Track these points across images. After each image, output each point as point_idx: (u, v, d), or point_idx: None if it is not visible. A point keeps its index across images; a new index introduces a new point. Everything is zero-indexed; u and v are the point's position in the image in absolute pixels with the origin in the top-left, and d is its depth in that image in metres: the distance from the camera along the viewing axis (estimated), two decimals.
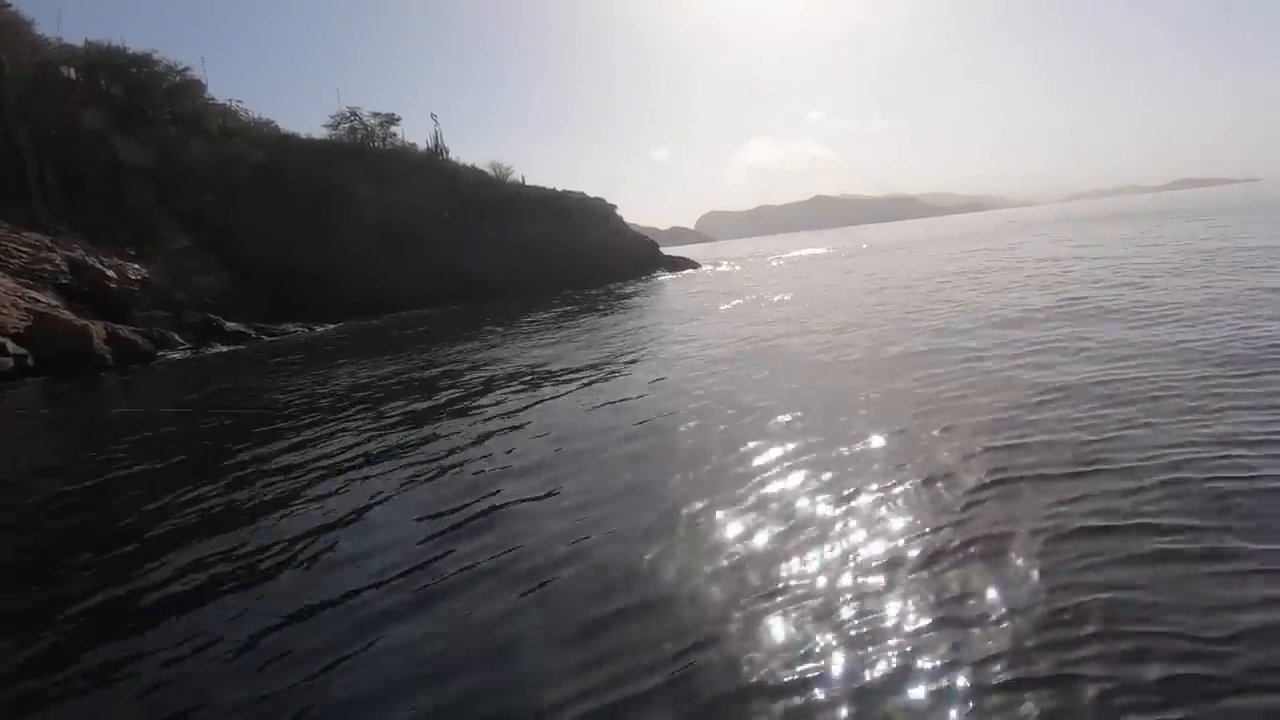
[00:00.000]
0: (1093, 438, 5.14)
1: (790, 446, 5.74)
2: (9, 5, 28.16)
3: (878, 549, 3.85)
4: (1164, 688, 2.59)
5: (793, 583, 3.58)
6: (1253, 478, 4.18)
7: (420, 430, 7.89)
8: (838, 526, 4.19)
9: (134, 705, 3.16)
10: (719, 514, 4.56)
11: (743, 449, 5.82)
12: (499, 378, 10.76)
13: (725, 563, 3.88)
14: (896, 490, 4.62)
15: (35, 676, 3.49)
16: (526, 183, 40.37)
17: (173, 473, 7.19)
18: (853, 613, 3.27)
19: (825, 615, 3.26)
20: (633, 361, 11.00)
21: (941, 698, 2.65)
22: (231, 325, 22.56)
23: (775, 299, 19.05)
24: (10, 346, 15.83)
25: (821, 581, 3.57)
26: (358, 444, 7.46)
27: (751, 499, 4.75)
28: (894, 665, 2.86)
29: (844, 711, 2.64)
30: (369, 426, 8.28)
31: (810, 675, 2.85)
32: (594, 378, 9.90)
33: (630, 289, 29.90)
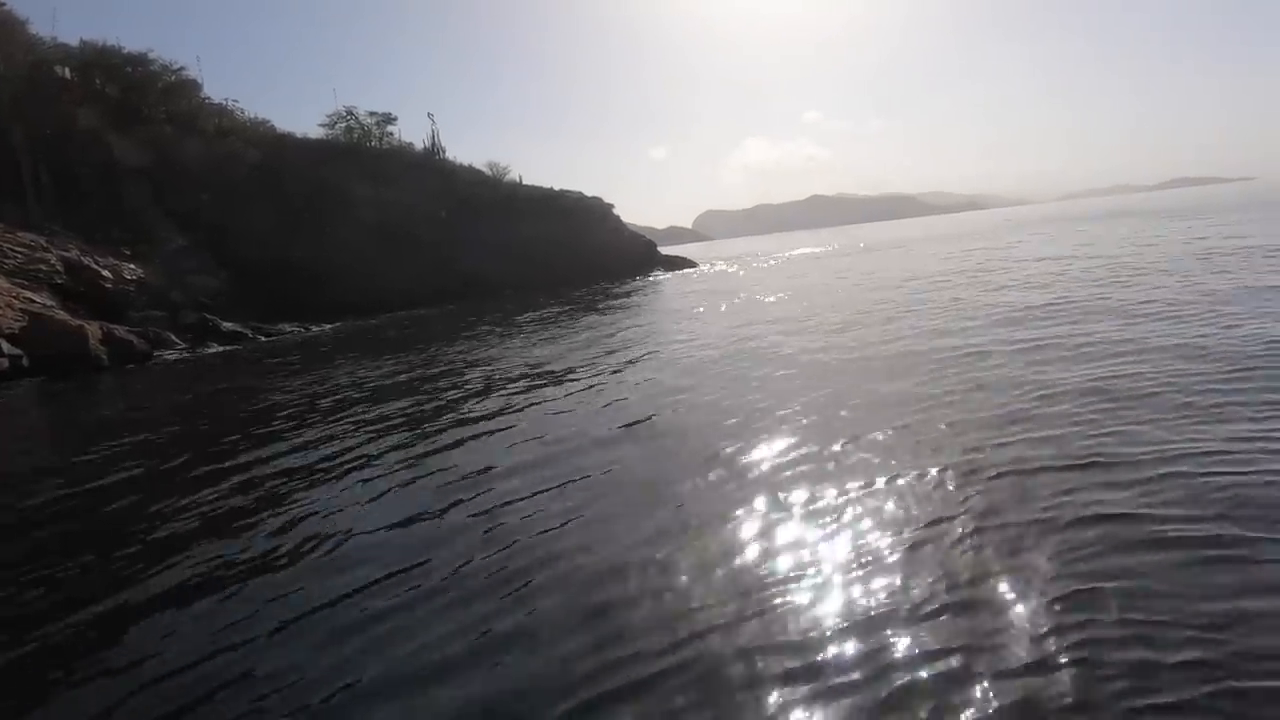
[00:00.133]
0: (1094, 432, 5.15)
1: (790, 444, 5.73)
2: (3, 5, 28.08)
3: (881, 539, 3.85)
4: (1170, 670, 2.63)
5: (797, 572, 3.58)
6: (1252, 471, 4.20)
7: (417, 430, 7.86)
8: (840, 519, 4.17)
9: (133, 705, 3.14)
10: (718, 511, 4.54)
11: (741, 448, 5.81)
12: (496, 378, 10.74)
13: (727, 556, 3.86)
14: (897, 484, 4.61)
15: (32, 676, 3.46)
16: (524, 182, 40.38)
17: (169, 473, 7.16)
18: (862, 601, 3.28)
19: (831, 606, 3.26)
20: (632, 361, 10.98)
21: (952, 681, 2.67)
22: (228, 325, 22.51)
23: (773, 298, 19.05)
24: (5, 347, 15.77)
25: (826, 570, 3.57)
26: (354, 444, 7.43)
27: (750, 497, 4.74)
28: (906, 650, 2.88)
29: (857, 696, 2.64)
30: (365, 427, 8.26)
31: (816, 664, 2.85)
32: (592, 377, 9.88)
33: (628, 288, 29.88)
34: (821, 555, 3.82)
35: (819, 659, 2.92)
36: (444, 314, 25.97)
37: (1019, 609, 3.11)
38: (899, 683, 2.72)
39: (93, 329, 17.51)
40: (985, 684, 2.67)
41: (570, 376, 10.08)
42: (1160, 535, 3.60)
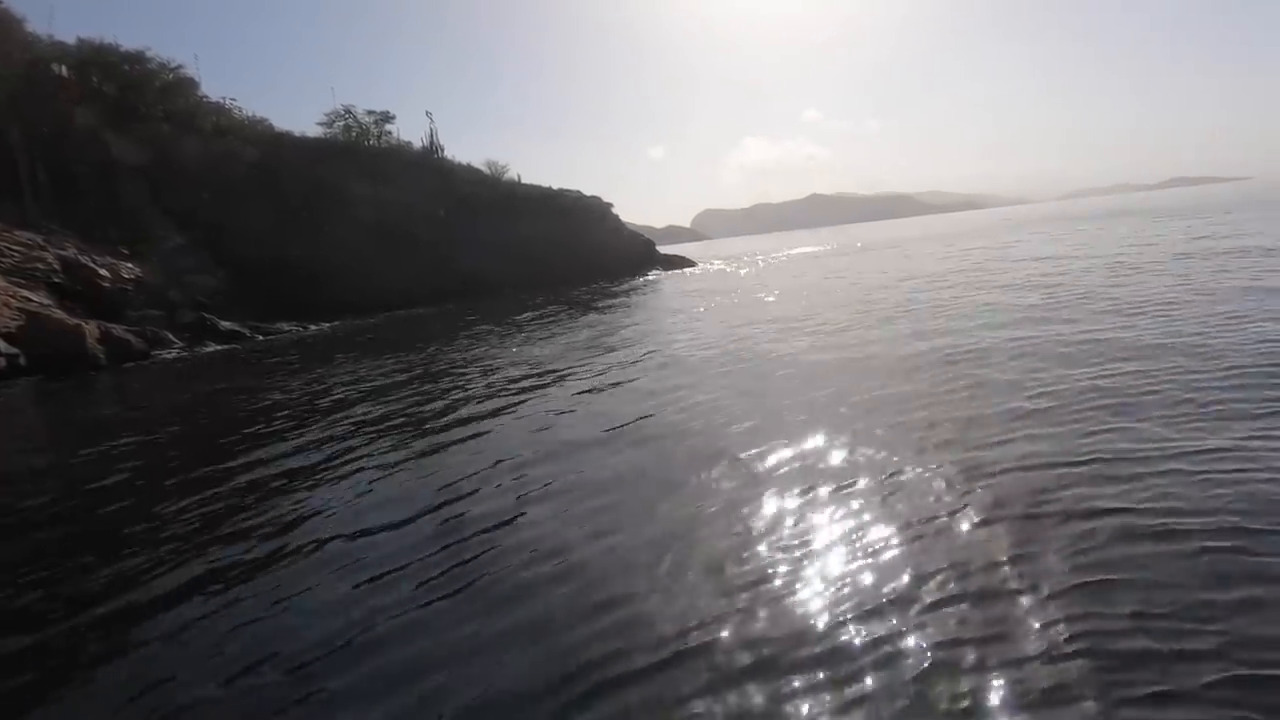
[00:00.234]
0: (1095, 429, 5.16)
1: (790, 443, 5.72)
2: (0, 3, 27.96)
3: (884, 536, 3.85)
4: (1175, 659, 2.68)
5: (801, 566, 3.57)
6: (1254, 467, 4.20)
7: (417, 430, 7.85)
8: (844, 516, 4.17)
9: (133, 705, 3.12)
10: (719, 510, 4.53)
11: (742, 447, 5.79)
12: (496, 377, 10.72)
13: (729, 554, 3.86)
14: (899, 482, 4.61)
15: (30, 676, 3.44)
16: (522, 181, 40.31)
17: (166, 473, 7.13)
18: (868, 594, 3.29)
19: (836, 599, 3.25)
20: (632, 361, 10.96)
21: (958, 672, 2.68)
22: (226, 324, 22.45)
23: (772, 298, 19.05)
24: (2, 346, 15.72)
25: (831, 563, 3.57)
26: (354, 444, 7.42)
27: (751, 496, 4.73)
28: (912, 641, 2.89)
29: (862, 688, 2.64)
30: (365, 426, 8.24)
31: (823, 655, 2.85)
32: (592, 377, 9.87)
33: (627, 287, 29.85)
34: (826, 548, 3.82)
35: (826, 649, 2.94)
36: (442, 313, 25.93)
37: (1024, 602, 3.14)
38: (906, 672, 2.75)
39: (90, 328, 17.45)
40: (991, 674, 2.69)
41: (570, 376, 10.06)
42: (1163, 528, 3.63)
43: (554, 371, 10.54)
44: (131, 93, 30.84)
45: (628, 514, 4.65)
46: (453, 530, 4.72)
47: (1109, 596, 3.10)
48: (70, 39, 30.65)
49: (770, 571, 3.66)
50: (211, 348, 20.43)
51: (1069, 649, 2.78)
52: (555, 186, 40.42)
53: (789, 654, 2.95)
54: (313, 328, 24.53)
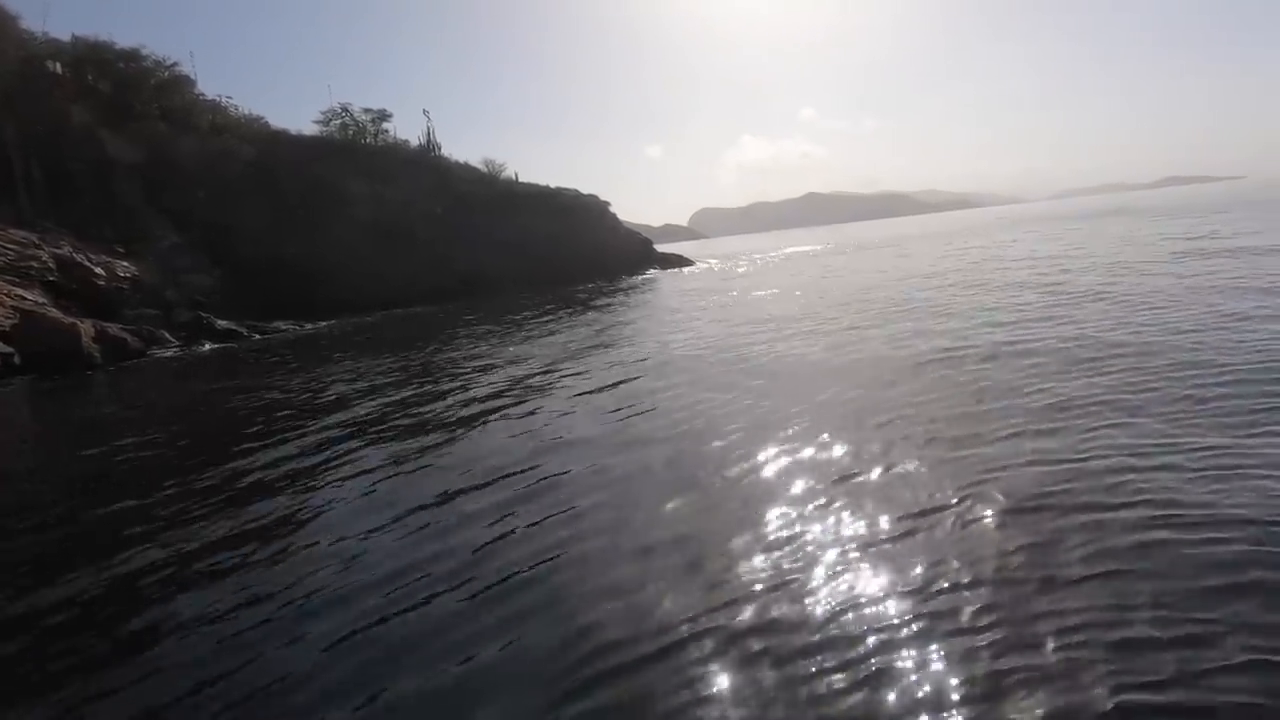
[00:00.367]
0: (1096, 425, 5.17)
1: (790, 442, 5.72)
2: None
3: (886, 532, 3.85)
4: (1180, 645, 2.73)
5: (804, 562, 3.57)
6: (1248, 463, 4.21)
7: (416, 429, 7.82)
8: (845, 513, 4.17)
9: (132, 705, 3.10)
10: (720, 509, 4.53)
11: (742, 447, 5.80)
12: (495, 377, 10.70)
13: (731, 552, 3.85)
14: (900, 480, 4.61)
15: (27, 675, 3.43)
16: (520, 180, 40.24)
17: (163, 473, 7.09)
18: (875, 583, 3.30)
19: (839, 594, 3.25)
20: (630, 360, 10.96)
21: (961, 667, 2.67)
22: (222, 323, 22.37)
23: (769, 297, 19.06)
24: None
25: (835, 559, 3.57)
26: (354, 443, 7.40)
27: (752, 495, 4.73)
28: (917, 636, 2.89)
29: (864, 683, 2.64)
30: (364, 426, 8.21)
31: (827, 649, 2.85)
32: (591, 376, 9.85)
33: (625, 286, 29.85)
34: (830, 543, 3.82)
35: (832, 639, 2.96)
36: (440, 311, 25.88)
37: (1033, 593, 3.16)
38: (915, 661, 2.78)
39: (85, 327, 17.37)
40: (1003, 663, 2.71)
41: (570, 375, 10.05)
42: (1168, 521, 3.66)
43: (554, 370, 10.52)
44: (127, 91, 30.67)
45: (631, 510, 4.64)
46: (453, 528, 4.70)
47: (1118, 587, 3.13)
48: (65, 36, 30.51)
49: (777, 566, 3.66)
50: (208, 347, 20.36)
51: (1080, 637, 2.82)
52: (554, 185, 40.41)
53: (796, 643, 2.97)
54: (310, 326, 24.46)
